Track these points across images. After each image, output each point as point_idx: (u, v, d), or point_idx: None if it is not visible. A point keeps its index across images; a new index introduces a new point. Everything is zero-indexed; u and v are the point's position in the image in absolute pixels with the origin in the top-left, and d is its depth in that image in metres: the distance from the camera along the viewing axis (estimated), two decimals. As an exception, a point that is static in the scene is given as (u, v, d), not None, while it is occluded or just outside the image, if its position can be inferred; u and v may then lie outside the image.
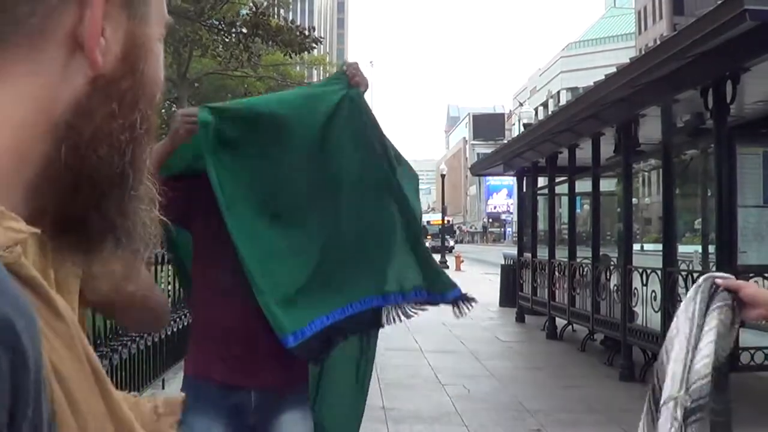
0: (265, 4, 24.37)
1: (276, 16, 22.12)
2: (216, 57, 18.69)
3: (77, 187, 0.56)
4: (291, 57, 19.46)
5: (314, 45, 19.34)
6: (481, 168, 19.43)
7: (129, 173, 0.59)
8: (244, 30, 17.47)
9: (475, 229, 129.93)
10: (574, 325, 11.35)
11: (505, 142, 22.21)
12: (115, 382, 1.32)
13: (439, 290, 2.70)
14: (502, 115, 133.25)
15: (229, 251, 2.45)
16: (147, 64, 0.60)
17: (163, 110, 28.79)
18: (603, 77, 8.73)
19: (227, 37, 17.95)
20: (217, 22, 17.66)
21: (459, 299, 2.68)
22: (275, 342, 2.43)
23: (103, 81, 0.57)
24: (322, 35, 23.93)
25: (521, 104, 53.64)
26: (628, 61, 8.04)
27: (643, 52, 7.93)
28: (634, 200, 10.79)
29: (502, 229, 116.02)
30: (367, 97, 2.60)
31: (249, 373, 2.58)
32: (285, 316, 2.41)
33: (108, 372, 1.08)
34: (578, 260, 11.13)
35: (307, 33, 18.46)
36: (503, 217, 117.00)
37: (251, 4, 18.59)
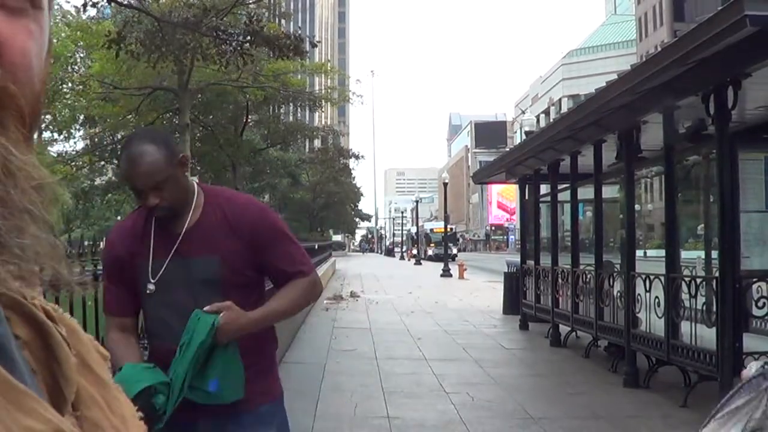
0: (267, 14, 24.49)
1: (278, 24, 22.27)
2: (214, 62, 18.86)
3: None
4: (283, 60, 19.68)
5: (306, 50, 19.55)
6: (484, 176, 19.42)
7: None
8: (241, 38, 17.69)
9: (478, 237, 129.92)
10: (578, 331, 11.33)
11: (507, 149, 22.22)
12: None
13: None
14: (504, 122, 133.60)
15: (149, 300, 2.58)
16: None
17: (164, 122, 28.89)
18: (604, 84, 8.74)
19: (224, 45, 18.11)
20: (215, 32, 17.78)
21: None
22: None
23: None
24: (321, 41, 24.13)
25: (523, 112, 53.70)
26: (629, 67, 8.04)
27: (644, 59, 7.94)
28: (637, 206, 10.75)
29: (505, 237, 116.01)
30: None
31: (190, 406, 2.48)
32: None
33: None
34: (581, 267, 11.12)
35: (301, 38, 18.62)
36: (506, 224, 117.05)
37: (248, 15, 18.75)
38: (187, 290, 2.50)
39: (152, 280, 2.55)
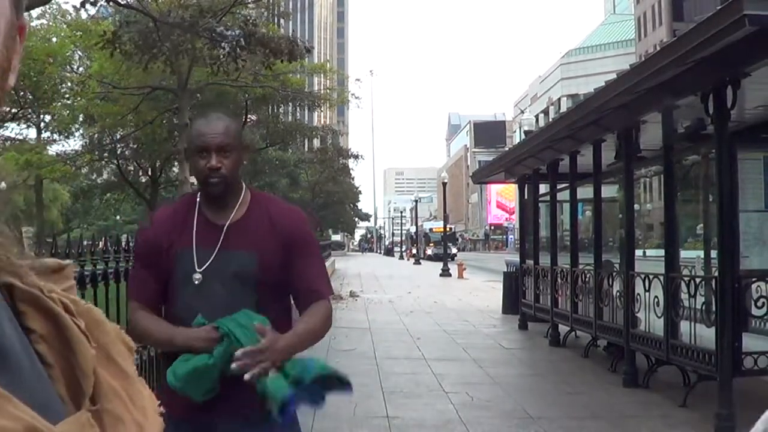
0: (265, 14, 24.46)
1: (276, 24, 22.23)
2: (206, 65, 18.85)
3: None
4: (271, 69, 19.63)
5: (303, 54, 19.54)
6: (483, 175, 19.43)
7: None
8: (234, 42, 17.66)
9: (477, 236, 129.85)
10: (577, 331, 11.33)
11: (507, 149, 22.23)
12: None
13: None
14: (503, 122, 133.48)
15: (185, 288, 2.55)
16: None
17: (164, 121, 28.89)
18: (603, 84, 8.74)
19: (216, 50, 18.07)
20: (211, 34, 17.73)
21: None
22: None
23: None
24: (320, 41, 24.20)
25: (522, 112, 53.78)
26: (628, 67, 8.04)
27: (643, 58, 7.94)
28: (636, 206, 10.76)
29: (504, 237, 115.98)
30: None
31: (209, 404, 2.45)
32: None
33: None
34: (581, 267, 11.12)
35: (297, 43, 18.60)
36: (505, 224, 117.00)
37: (245, 16, 18.72)
38: (223, 282, 2.52)
39: (198, 270, 2.54)
